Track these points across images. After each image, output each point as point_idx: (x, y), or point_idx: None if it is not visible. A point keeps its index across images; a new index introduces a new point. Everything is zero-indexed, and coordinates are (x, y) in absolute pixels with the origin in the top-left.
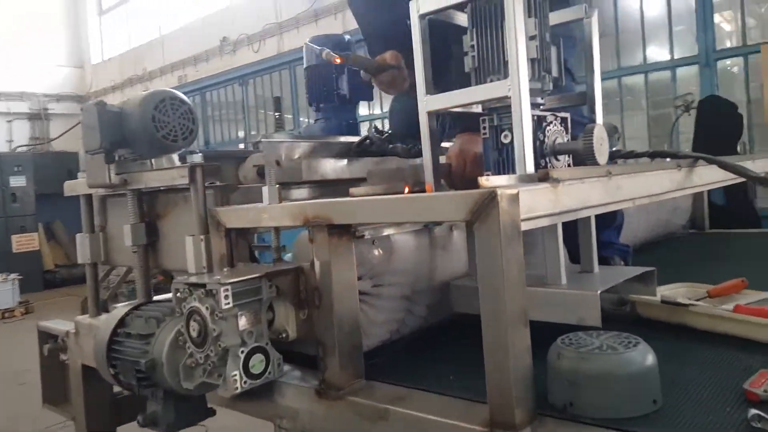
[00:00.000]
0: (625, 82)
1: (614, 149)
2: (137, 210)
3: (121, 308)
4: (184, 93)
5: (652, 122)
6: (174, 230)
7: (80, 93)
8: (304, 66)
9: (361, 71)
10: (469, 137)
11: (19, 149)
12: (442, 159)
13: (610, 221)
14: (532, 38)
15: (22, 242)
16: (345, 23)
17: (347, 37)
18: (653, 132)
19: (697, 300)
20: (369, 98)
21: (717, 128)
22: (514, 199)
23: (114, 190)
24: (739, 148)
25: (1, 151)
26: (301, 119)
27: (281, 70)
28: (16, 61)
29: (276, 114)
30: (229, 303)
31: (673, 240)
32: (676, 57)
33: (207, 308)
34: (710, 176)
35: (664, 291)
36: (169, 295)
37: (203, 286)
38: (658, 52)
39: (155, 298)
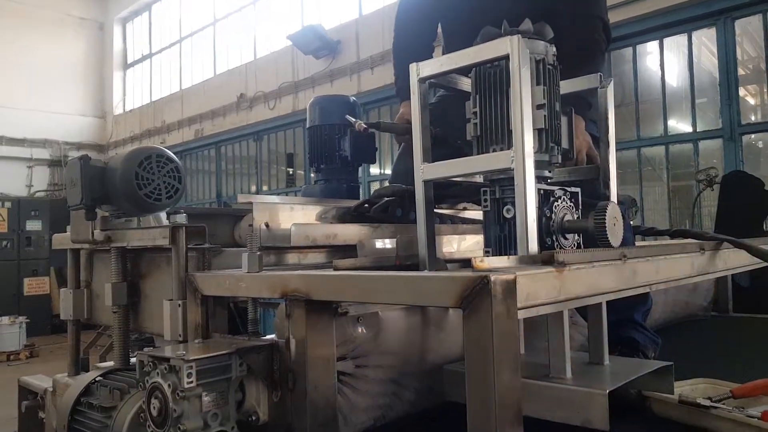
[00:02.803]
0: (645, 152)
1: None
2: (120, 268)
3: (90, 374)
4: (200, 146)
5: (672, 194)
6: (155, 292)
7: (100, 142)
8: (307, 126)
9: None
10: None
11: (38, 194)
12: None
13: (642, 301)
14: (539, 107)
15: (33, 285)
16: (360, 84)
17: (352, 98)
18: (674, 204)
19: (720, 400)
20: (371, 161)
21: (742, 205)
22: (510, 286)
23: (101, 246)
24: (765, 227)
25: (20, 195)
26: (312, 175)
27: (295, 128)
28: (41, 108)
29: (288, 170)
30: (192, 382)
31: (694, 323)
32: (698, 129)
33: (169, 385)
34: (735, 260)
35: (683, 387)
36: None
37: (167, 360)
38: (679, 124)
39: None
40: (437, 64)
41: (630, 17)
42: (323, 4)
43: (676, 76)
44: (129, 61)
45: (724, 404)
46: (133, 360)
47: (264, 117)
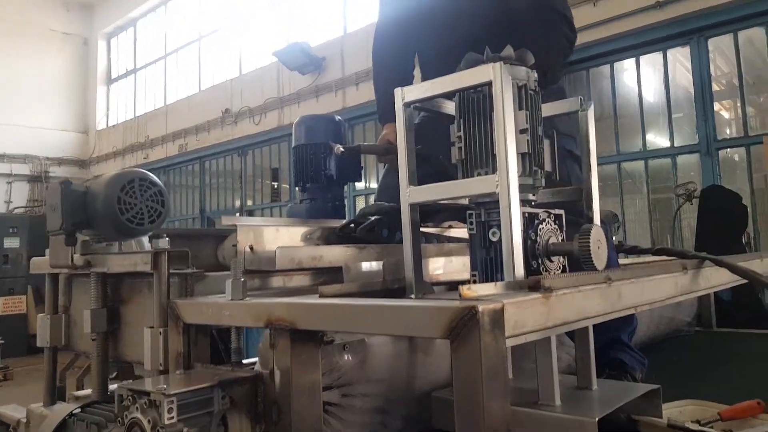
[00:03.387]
0: (624, 167)
1: (615, 238)
2: (100, 294)
3: (66, 406)
4: (184, 161)
5: (653, 207)
6: (136, 319)
7: (82, 157)
8: (292, 145)
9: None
10: None
11: (16, 210)
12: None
13: (627, 321)
14: (522, 131)
15: (9, 305)
16: (345, 100)
17: (337, 117)
18: (654, 216)
19: (708, 423)
20: (357, 179)
21: (721, 219)
22: (498, 315)
23: (80, 271)
24: (744, 240)
25: None
26: (297, 189)
27: (280, 143)
28: (22, 123)
29: (273, 184)
30: (173, 417)
31: (679, 339)
32: (676, 144)
33: (149, 421)
34: (717, 278)
35: (671, 409)
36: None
37: (147, 394)
38: (657, 138)
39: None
40: (422, 89)
41: (607, 36)
42: (309, 22)
43: (653, 92)
44: (113, 76)
45: (712, 427)
46: (112, 388)
47: (249, 132)
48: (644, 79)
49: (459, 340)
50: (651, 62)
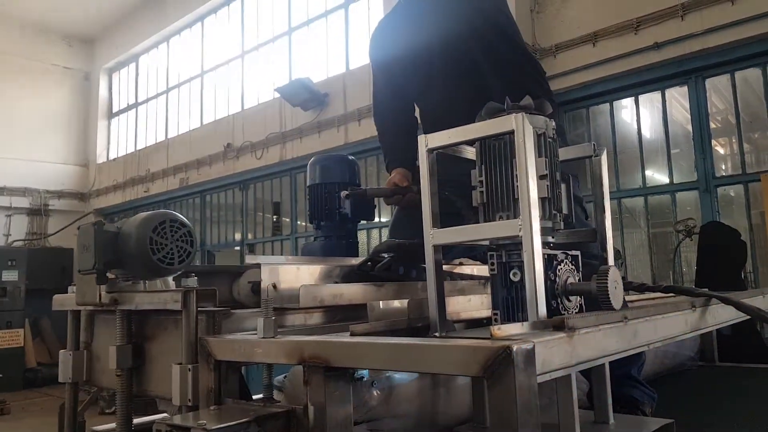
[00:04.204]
0: (625, 202)
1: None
2: (125, 331)
3: None
4: (185, 195)
5: (652, 242)
6: (162, 355)
7: (82, 190)
8: (307, 184)
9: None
10: None
11: (15, 243)
12: None
13: (637, 356)
14: (542, 177)
15: (6, 338)
16: (347, 135)
17: (350, 157)
18: (654, 250)
19: None
20: (370, 218)
21: (720, 255)
22: (530, 354)
23: (106, 308)
24: (743, 276)
25: None
26: (298, 222)
27: (282, 176)
28: (22, 157)
29: (274, 218)
30: None
31: (682, 374)
32: (675, 180)
33: None
34: (724, 315)
35: None
36: (150, 418)
37: (187, 429)
38: (656, 174)
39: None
40: (446, 136)
41: (606, 75)
42: (311, 59)
43: (651, 129)
44: (114, 110)
45: None
46: (136, 421)
47: (251, 166)
48: (643, 116)
49: (494, 378)
50: (650, 100)
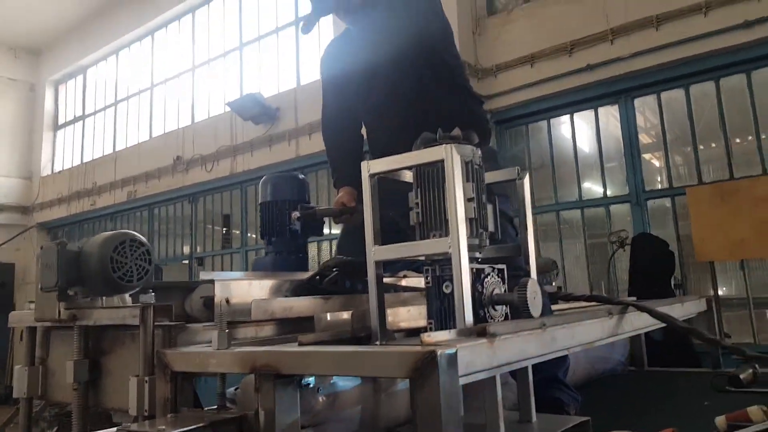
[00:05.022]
0: (563, 215)
1: (554, 283)
2: (82, 346)
3: None
4: (133, 208)
5: (590, 251)
6: (117, 368)
7: (25, 204)
8: (259, 201)
9: None
10: None
11: None
12: None
13: (562, 360)
14: (470, 200)
15: None
16: (298, 149)
17: (301, 175)
18: (592, 260)
19: None
20: (319, 233)
21: (651, 265)
22: (453, 358)
23: (63, 324)
24: (673, 284)
25: None
26: (249, 235)
27: (232, 189)
28: None
29: (224, 230)
30: None
31: (612, 378)
32: (612, 193)
33: None
34: (640, 322)
35: None
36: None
37: None
38: (594, 186)
39: None
40: (385, 163)
41: (543, 95)
42: (263, 73)
43: (588, 143)
44: (60, 123)
45: None
46: None
47: (201, 179)
48: (580, 131)
49: (421, 379)
50: (585, 117)
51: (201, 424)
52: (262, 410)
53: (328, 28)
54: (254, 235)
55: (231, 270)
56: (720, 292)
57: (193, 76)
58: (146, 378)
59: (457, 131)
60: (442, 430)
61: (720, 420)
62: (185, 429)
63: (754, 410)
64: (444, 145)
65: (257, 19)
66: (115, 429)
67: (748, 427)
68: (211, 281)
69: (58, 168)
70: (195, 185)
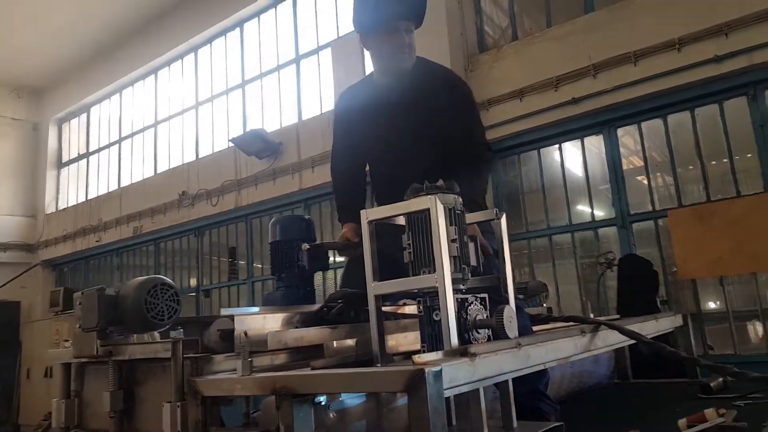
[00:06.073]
0: (554, 238)
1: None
2: (116, 378)
3: None
4: (139, 243)
5: (583, 271)
6: (150, 396)
7: (29, 242)
8: (270, 241)
9: None
10: None
11: None
12: None
13: (541, 374)
14: (453, 241)
15: None
16: (301, 182)
17: (307, 216)
18: (584, 279)
19: None
20: (325, 269)
21: (637, 283)
22: (439, 374)
23: (98, 359)
24: (659, 302)
25: None
26: (255, 265)
27: (238, 222)
28: None
29: (230, 260)
30: None
31: (598, 390)
32: (600, 216)
33: None
34: (612, 339)
35: None
36: None
37: None
38: (586, 209)
39: None
40: (381, 212)
41: (532, 126)
42: (265, 109)
43: (577, 168)
44: (64, 160)
45: None
46: None
47: (206, 213)
48: (569, 159)
49: (413, 392)
50: (576, 143)
51: None
52: (282, 426)
53: (327, 62)
54: (260, 265)
55: (238, 301)
56: (710, 307)
57: (197, 113)
58: (178, 403)
59: (440, 182)
60: None
61: (681, 422)
62: None
63: (709, 412)
64: (429, 196)
65: (259, 57)
66: None
67: (703, 424)
68: (230, 317)
69: (62, 205)
70: (200, 219)
